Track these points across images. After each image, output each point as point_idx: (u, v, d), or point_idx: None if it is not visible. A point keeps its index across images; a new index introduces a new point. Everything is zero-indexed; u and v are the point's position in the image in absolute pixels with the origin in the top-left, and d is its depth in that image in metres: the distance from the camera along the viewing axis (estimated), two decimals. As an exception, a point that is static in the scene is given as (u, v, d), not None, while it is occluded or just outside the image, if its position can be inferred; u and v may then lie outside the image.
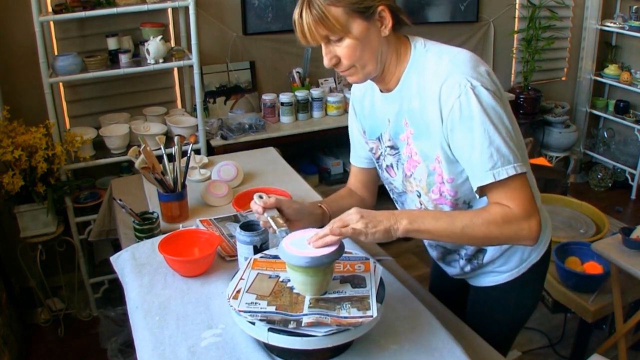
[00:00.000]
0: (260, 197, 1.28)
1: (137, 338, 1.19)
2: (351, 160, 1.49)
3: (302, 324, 1.01)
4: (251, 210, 1.68)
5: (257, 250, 1.30)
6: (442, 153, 1.17)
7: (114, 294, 2.69)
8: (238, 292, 1.11)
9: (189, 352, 1.11)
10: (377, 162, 1.38)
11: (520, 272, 1.35)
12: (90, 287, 2.77)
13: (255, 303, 1.07)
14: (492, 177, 1.08)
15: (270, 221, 1.23)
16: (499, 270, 1.36)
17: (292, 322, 1.02)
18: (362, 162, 1.45)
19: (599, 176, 4.07)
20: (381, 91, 1.27)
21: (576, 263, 2.15)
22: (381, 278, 1.14)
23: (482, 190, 1.13)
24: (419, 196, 1.29)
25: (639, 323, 2.06)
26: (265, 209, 1.26)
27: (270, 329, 1.01)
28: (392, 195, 1.42)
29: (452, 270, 1.45)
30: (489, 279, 1.39)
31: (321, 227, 1.15)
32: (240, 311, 1.05)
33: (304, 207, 1.34)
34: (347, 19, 1.10)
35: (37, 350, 2.56)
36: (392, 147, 1.30)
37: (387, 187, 1.41)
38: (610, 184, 4.06)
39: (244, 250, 1.32)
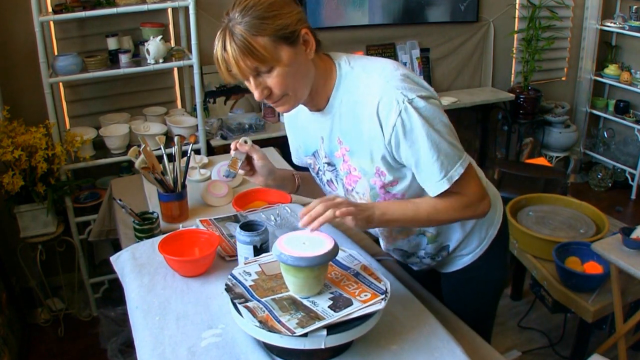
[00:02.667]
0: (245, 141, 1.31)
1: (137, 338, 1.19)
2: (294, 161, 1.50)
3: (243, 304, 1.07)
4: (251, 210, 1.69)
5: (257, 250, 1.30)
6: (384, 164, 1.19)
7: (114, 294, 2.69)
8: (255, 261, 1.21)
9: (189, 352, 1.11)
10: (317, 177, 1.39)
11: (483, 250, 1.39)
12: (90, 287, 2.77)
13: (248, 274, 1.16)
14: (447, 182, 1.15)
15: (230, 159, 1.28)
16: (463, 254, 1.41)
17: (242, 299, 1.09)
18: (304, 164, 1.44)
19: (599, 176, 4.07)
20: (310, 110, 1.26)
21: (576, 263, 2.15)
22: (373, 314, 1.06)
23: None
24: None
25: (639, 323, 2.06)
26: (237, 149, 1.29)
27: (232, 299, 1.09)
28: None
29: (417, 267, 1.49)
30: (456, 263, 1.43)
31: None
32: (230, 274, 1.16)
33: (276, 169, 1.36)
34: (274, 47, 1.06)
35: (37, 350, 2.56)
36: (329, 164, 1.31)
37: None
38: (610, 184, 4.06)
39: (244, 250, 1.32)
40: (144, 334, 1.18)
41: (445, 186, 1.15)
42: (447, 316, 1.36)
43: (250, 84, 1.13)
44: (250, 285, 1.13)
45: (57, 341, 2.63)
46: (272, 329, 1.00)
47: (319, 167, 1.35)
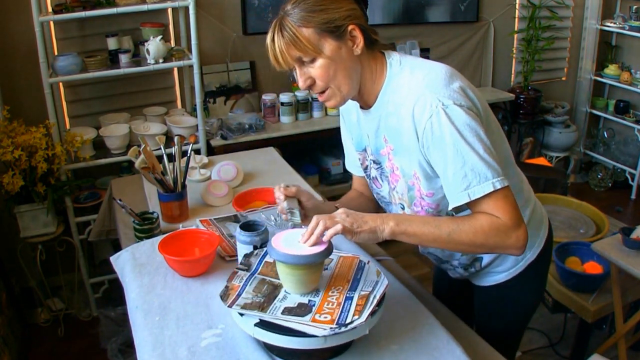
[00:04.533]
0: (287, 186, 1.28)
1: (137, 338, 1.19)
2: (347, 167, 1.50)
3: (239, 269, 1.17)
4: (251, 210, 1.69)
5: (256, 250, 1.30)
6: (420, 169, 1.18)
7: (114, 294, 2.69)
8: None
9: (189, 352, 1.11)
10: (365, 172, 1.40)
11: (518, 271, 1.37)
12: (90, 287, 2.77)
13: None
14: (467, 196, 1.09)
15: (287, 211, 1.24)
16: (497, 271, 1.38)
17: (245, 268, 1.18)
18: (358, 170, 1.45)
19: (599, 176, 4.07)
20: (361, 107, 1.28)
21: (576, 263, 2.15)
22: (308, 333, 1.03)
23: (460, 208, 1.13)
24: (403, 208, 1.31)
25: (639, 323, 2.06)
26: (287, 197, 1.25)
27: (240, 264, 1.17)
28: (381, 204, 1.43)
29: (452, 274, 1.47)
30: (489, 279, 1.41)
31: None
32: (271, 243, 1.11)
33: (322, 205, 1.35)
34: (318, 39, 1.11)
35: (37, 350, 2.56)
36: (374, 162, 1.31)
37: (375, 196, 1.42)
38: (610, 184, 4.06)
39: (244, 250, 1.32)
40: (144, 334, 1.18)
41: (464, 199, 1.09)
42: (447, 316, 1.36)
43: (297, 73, 1.17)
44: (265, 261, 1.19)
45: (57, 341, 2.63)
46: (223, 295, 1.09)
47: (367, 164, 1.36)
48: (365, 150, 1.34)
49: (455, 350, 1.11)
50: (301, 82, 1.16)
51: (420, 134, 1.12)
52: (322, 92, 1.18)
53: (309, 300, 1.09)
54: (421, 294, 1.41)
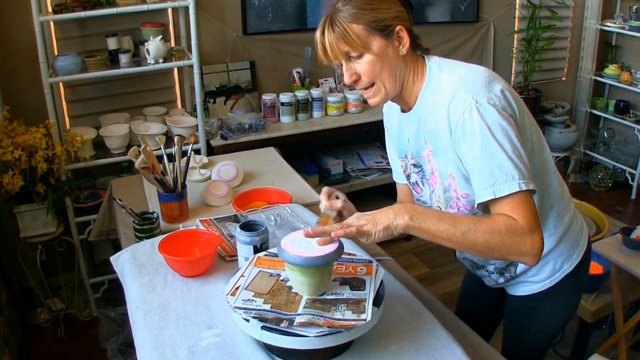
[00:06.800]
0: (337, 197, 1.32)
1: (137, 338, 1.19)
2: (394, 178, 1.51)
3: (294, 324, 1.01)
4: (251, 210, 1.69)
5: (257, 250, 1.31)
6: (455, 169, 1.19)
7: (114, 294, 2.69)
8: (237, 288, 1.12)
9: (189, 352, 1.11)
10: (408, 180, 1.41)
11: (554, 282, 1.35)
12: (90, 287, 2.77)
13: (252, 300, 1.08)
14: (492, 193, 1.09)
15: (321, 215, 1.28)
16: (532, 280, 1.37)
17: (284, 321, 1.02)
18: (403, 179, 1.46)
19: (599, 176, 4.07)
20: (402, 110, 1.30)
21: (576, 263, 2.15)
22: (382, 281, 1.13)
23: (485, 206, 1.13)
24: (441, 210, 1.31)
25: (639, 323, 2.06)
26: (331, 206, 1.29)
27: (263, 327, 1.01)
28: None
29: (488, 281, 1.46)
30: (523, 288, 1.39)
31: None
32: (235, 307, 1.05)
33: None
34: (367, 35, 1.15)
35: (37, 350, 2.56)
36: (415, 165, 1.33)
37: (415, 202, 1.41)
38: (610, 184, 4.06)
39: (244, 250, 1.32)
40: (144, 334, 1.18)
41: (488, 196, 1.09)
42: (447, 316, 1.36)
43: (343, 68, 1.21)
44: (272, 307, 1.06)
45: (57, 341, 2.63)
46: (346, 328, 0.99)
47: (409, 171, 1.38)
48: (406, 156, 1.35)
49: (456, 350, 1.11)
50: (347, 77, 1.20)
51: (453, 130, 1.14)
52: (366, 88, 1.22)
53: (335, 281, 1.12)
54: (421, 294, 1.41)
